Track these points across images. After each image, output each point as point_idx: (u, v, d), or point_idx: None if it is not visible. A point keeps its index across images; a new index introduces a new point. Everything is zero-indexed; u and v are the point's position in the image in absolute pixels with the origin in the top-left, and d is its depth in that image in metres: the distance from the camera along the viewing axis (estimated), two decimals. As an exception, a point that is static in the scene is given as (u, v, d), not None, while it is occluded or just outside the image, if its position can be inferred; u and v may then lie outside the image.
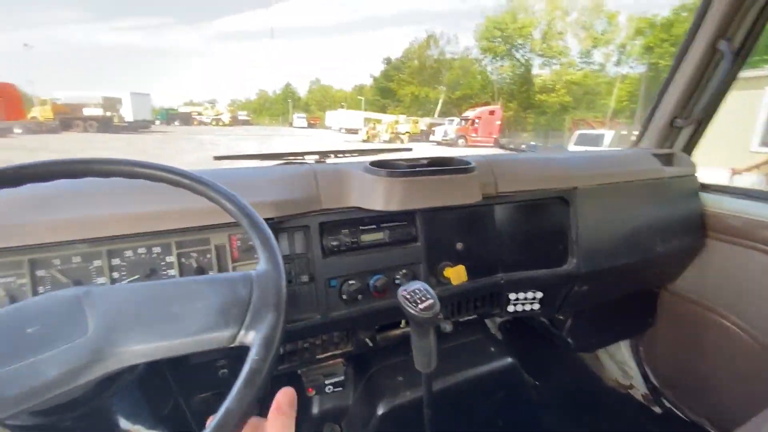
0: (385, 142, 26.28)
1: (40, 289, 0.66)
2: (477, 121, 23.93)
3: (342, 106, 65.97)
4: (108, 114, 23.13)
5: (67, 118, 22.84)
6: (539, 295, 1.13)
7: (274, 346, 0.39)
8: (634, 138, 1.56)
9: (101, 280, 0.69)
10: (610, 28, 27.46)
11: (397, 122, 27.88)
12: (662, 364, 1.50)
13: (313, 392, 1.01)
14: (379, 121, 27.97)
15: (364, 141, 26.38)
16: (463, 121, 24.68)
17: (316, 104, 74.98)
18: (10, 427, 0.44)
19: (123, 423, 0.64)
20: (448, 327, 0.99)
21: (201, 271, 0.76)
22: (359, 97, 56.96)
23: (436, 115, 33.92)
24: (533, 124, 29.46)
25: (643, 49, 22.61)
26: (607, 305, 1.38)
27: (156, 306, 0.41)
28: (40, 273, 0.66)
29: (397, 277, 0.92)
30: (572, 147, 12.39)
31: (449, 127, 25.00)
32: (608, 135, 12.50)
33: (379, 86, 58.46)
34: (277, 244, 0.49)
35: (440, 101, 35.34)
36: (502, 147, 23.13)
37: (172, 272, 0.74)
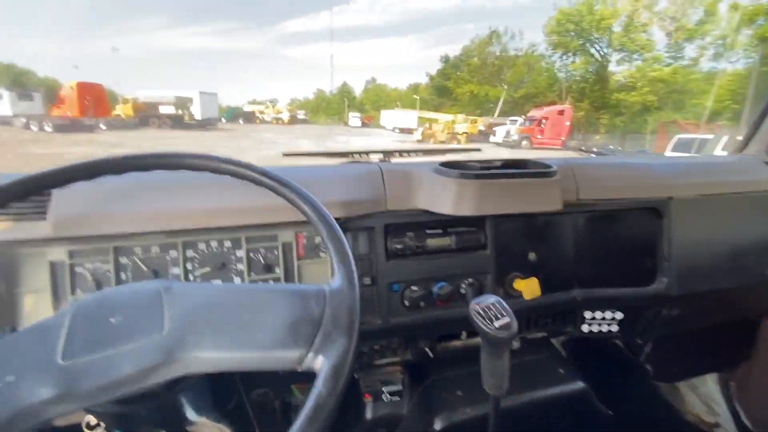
0: (441, 142, 25.34)
1: (122, 275, 0.71)
2: (544, 121, 22.08)
3: (397, 106, 65.91)
4: (180, 112, 24.70)
5: (145, 116, 24.73)
6: (619, 316, 1.04)
7: (342, 379, 0.38)
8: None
9: (176, 270, 0.74)
10: (707, 18, 23.96)
11: (454, 122, 26.71)
12: (757, 405, 1.34)
13: (370, 398, 0.97)
14: (435, 121, 26.92)
15: (419, 141, 25.63)
16: (527, 122, 22.95)
17: (371, 103, 75.21)
18: (85, 409, 0.46)
19: (191, 414, 0.65)
20: (515, 344, 0.93)
21: (268, 267, 0.79)
22: (414, 96, 56.10)
23: (496, 115, 32.11)
24: (607, 125, 26.66)
25: (757, 40, 19.30)
26: (697, 332, 1.25)
27: (228, 312, 0.42)
28: (122, 260, 0.72)
29: (463, 286, 0.89)
30: (669, 154, 10.52)
31: (512, 128, 23.36)
32: (716, 140, 10.18)
33: (435, 85, 57.25)
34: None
35: (501, 100, 33.38)
36: (571, 150, 21.19)
37: (240, 266, 0.78)
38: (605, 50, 29.19)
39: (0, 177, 0.74)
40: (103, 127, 20.89)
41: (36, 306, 0.70)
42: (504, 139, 22.82)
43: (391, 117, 48.16)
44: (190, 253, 0.76)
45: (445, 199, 0.83)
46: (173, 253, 0.75)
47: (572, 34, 29.48)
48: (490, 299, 0.63)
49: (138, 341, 0.38)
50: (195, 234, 0.75)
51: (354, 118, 54.81)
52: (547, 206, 0.88)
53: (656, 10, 26.35)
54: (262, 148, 15.35)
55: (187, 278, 0.76)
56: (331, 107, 78.02)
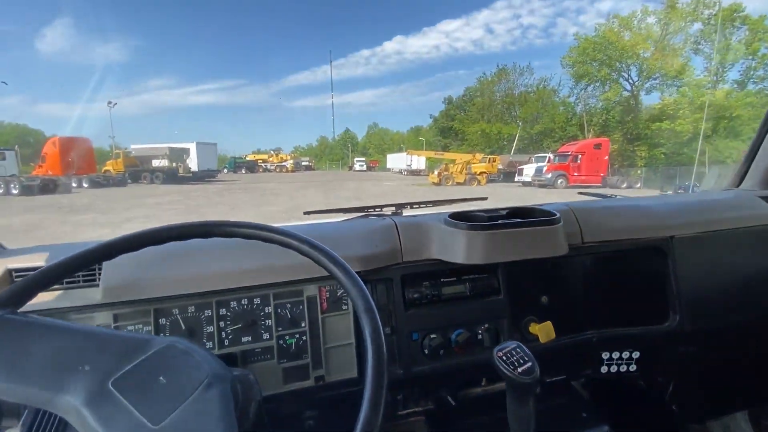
0: (458, 184, 22.88)
1: (161, 335, 0.73)
2: (579, 156, 19.58)
3: (401, 148, 65.22)
4: (174, 165, 22.56)
5: (137, 170, 22.63)
6: (636, 355, 1.04)
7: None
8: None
9: (210, 329, 0.78)
10: (753, 37, 22.04)
11: (472, 161, 24.34)
12: None
13: None
14: (452, 161, 24.57)
15: (434, 184, 23.21)
16: (559, 158, 20.46)
17: (375, 147, 74.81)
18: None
19: None
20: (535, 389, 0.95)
21: (294, 321, 0.83)
22: (420, 138, 55.03)
23: (512, 152, 29.94)
24: (645, 158, 24.08)
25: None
26: (722, 368, 1.20)
27: None
28: (161, 321, 0.77)
29: (480, 331, 0.90)
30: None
31: (541, 165, 20.81)
32: None
33: (439, 126, 56.53)
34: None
35: (516, 137, 31.39)
36: (612, 187, 18.47)
37: (269, 322, 0.81)
38: (635, 78, 27.41)
39: (55, 248, 0.82)
40: (85, 185, 18.58)
41: None
42: (534, 178, 20.21)
43: (398, 159, 46.80)
44: (222, 311, 0.80)
45: (457, 249, 0.86)
46: (207, 312, 0.79)
47: (597, 63, 27.87)
48: (512, 345, 0.65)
49: (144, 414, 0.39)
50: (227, 294, 0.80)
51: (359, 163, 53.50)
52: (553, 251, 0.89)
53: (691, 32, 24.59)
54: (261, 203, 12.71)
55: (220, 335, 0.79)
56: (334, 153, 77.80)
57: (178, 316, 0.78)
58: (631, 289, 1.03)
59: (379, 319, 0.48)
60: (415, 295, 0.88)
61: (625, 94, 27.39)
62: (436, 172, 24.18)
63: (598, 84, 28.50)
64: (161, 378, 0.42)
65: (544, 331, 0.88)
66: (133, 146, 24.73)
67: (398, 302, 0.87)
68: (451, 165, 24.35)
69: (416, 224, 0.93)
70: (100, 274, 0.76)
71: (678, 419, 1.24)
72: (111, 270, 0.75)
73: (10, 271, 0.77)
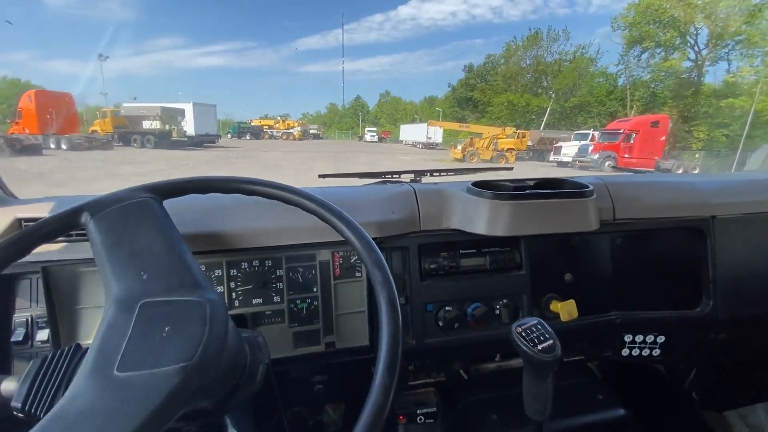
0: (484, 161, 20.30)
1: None
2: (633, 135, 16.78)
3: (415, 119, 61.59)
4: (167, 127, 20.06)
5: (127, 132, 20.25)
6: (661, 339, 1.00)
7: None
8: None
9: (220, 288, 0.77)
10: None
11: (501, 135, 21.56)
12: None
13: (404, 420, 0.96)
14: (477, 135, 21.77)
15: (457, 160, 20.67)
16: (607, 136, 17.66)
17: (387, 117, 71.26)
18: None
19: None
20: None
21: (306, 286, 0.81)
22: (436, 109, 51.51)
23: (541, 128, 26.92)
24: (704, 140, 20.96)
25: None
26: (749, 358, 1.18)
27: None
28: None
29: (497, 307, 0.87)
30: None
31: (585, 144, 18.04)
32: None
33: (457, 96, 52.79)
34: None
35: (547, 111, 28.22)
36: (668, 173, 15.82)
37: (280, 285, 0.80)
38: (701, 45, 22.90)
39: (62, 199, 0.81)
40: (64, 147, 16.33)
41: (94, 322, 0.74)
42: (577, 158, 17.51)
43: (412, 131, 43.51)
44: (233, 272, 0.78)
45: (479, 219, 0.83)
46: (218, 272, 0.77)
47: (659, 24, 23.25)
48: (532, 321, 0.63)
49: (173, 363, 0.39)
50: (238, 254, 0.77)
51: (370, 133, 50.44)
52: (583, 226, 0.84)
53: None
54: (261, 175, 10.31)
55: (230, 296, 0.78)
56: (344, 121, 74.52)
57: None
58: (662, 271, 0.98)
59: (396, 294, 0.47)
60: (432, 266, 0.86)
61: (686, 64, 23.56)
62: (459, 147, 21.53)
63: (659, 51, 24.36)
64: (167, 329, 0.41)
65: (566, 309, 0.84)
66: (124, 104, 22.19)
67: (414, 272, 0.85)
68: (477, 139, 21.61)
69: (437, 191, 0.90)
70: None
71: (696, 407, 1.20)
72: None
73: (19, 220, 0.77)
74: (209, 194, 0.58)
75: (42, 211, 0.76)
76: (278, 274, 0.80)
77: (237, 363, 0.47)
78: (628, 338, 1.00)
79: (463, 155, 20.74)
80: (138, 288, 0.44)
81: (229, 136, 40.71)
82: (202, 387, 0.40)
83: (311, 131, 49.21)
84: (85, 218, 0.51)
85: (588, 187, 0.87)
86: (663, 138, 17.03)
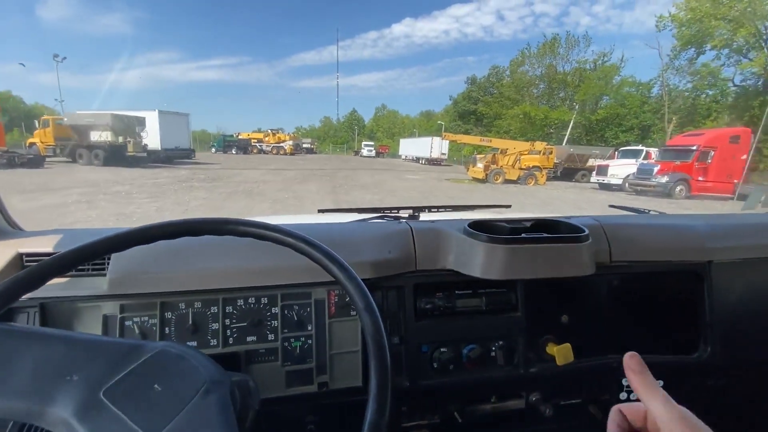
0: (508, 181, 16.75)
1: (166, 329, 0.75)
2: (711, 153, 13.24)
3: (414, 133, 58.46)
4: (120, 140, 16.09)
5: (73, 145, 16.27)
6: (660, 384, 0.93)
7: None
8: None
9: (215, 326, 0.77)
10: None
11: (528, 151, 18.02)
12: None
13: None
14: (499, 150, 18.15)
15: (477, 180, 17.09)
16: (669, 154, 14.10)
17: (383, 131, 68.21)
18: None
19: None
20: (548, 411, 0.89)
21: (300, 324, 0.80)
22: (439, 122, 48.35)
23: (564, 143, 23.52)
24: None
25: None
26: (750, 404, 1.15)
27: None
28: (167, 315, 0.76)
29: (493, 348, 0.87)
30: None
31: (646, 164, 14.46)
32: None
33: (459, 109, 49.91)
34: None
35: (571, 124, 24.88)
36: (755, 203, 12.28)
37: (275, 323, 0.79)
38: None
39: (66, 233, 0.81)
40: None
41: None
42: (637, 180, 13.92)
43: (413, 146, 40.06)
44: (229, 309, 0.78)
45: (474, 262, 0.82)
46: (213, 309, 0.77)
47: (726, 20, 19.24)
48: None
49: (138, 425, 0.37)
50: (234, 291, 0.78)
51: (367, 148, 47.06)
52: (578, 271, 0.84)
53: None
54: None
55: (225, 333, 0.78)
56: (338, 135, 71.40)
57: (184, 311, 0.76)
58: (660, 314, 0.97)
59: (380, 318, 0.47)
60: (428, 306, 0.86)
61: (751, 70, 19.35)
62: (479, 165, 17.90)
63: (724, 51, 20.26)
64: (156, 385, 0.40)
65: (562, 353, 0.84)
66: (77, 112, 18.19)
67: (409, 312, 0.84)
68: (501, 156, 18.03)
69: (434, 231, 0.89)
70: (108, 264, 0.75)
71: None
72: (119, 261, 0.74)
73: (21, 255, 0.76)
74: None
75: (46, 246, 0.77)
76: (273, 311, 0.80)
77: None
78: (625, 382, 0.98)
79: (486, 175, 17.12)
80: (83, 388, 0.39)
81: (213, 150, 37.08)
82: None
83: (304, 145, 45.59)
84: None
85: (584, 230, 0.86)
86: (744, 157, 13.51)
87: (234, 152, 35.49)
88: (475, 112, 46.71)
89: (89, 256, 0.50)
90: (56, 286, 0.73)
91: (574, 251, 0.83)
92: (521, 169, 17.68)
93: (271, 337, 0.79)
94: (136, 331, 0.74)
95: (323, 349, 0.81)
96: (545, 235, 0.85)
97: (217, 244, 0.76)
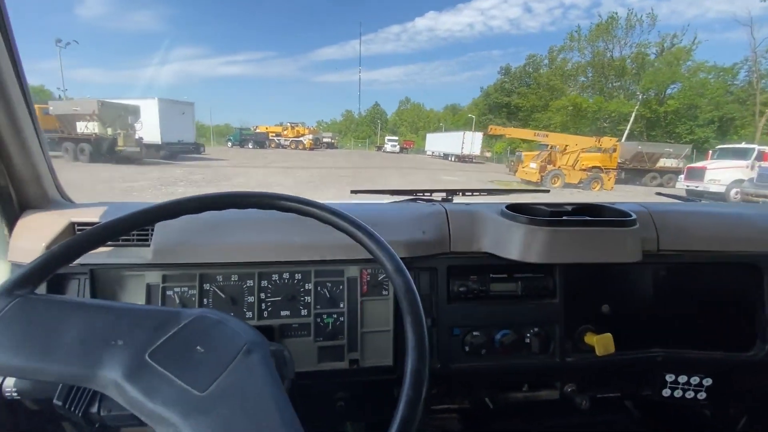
0: (567, 185, 13.65)
1: (204, 300, 0.79)
2: None
3: (440, 127, 55.04)
4: (109, 131, 13.79)
5: (59, 138, 14.11)
6: (708, 382, 0.93)
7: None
8: None
9: (251, 299, 0.80)
10: None
11: (595, 146, 14.75)
12: None
13: None
14: (555, 148, 14.86)
15: (527, 183, 14.05)
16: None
17: (407, 125, 65.03)
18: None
19: None
20: (585, 403, 0.87)
21: (333, 301, 0.82)
22: (470, 116, 44.79)
23: (623, 139, 19.84)
24: None
25: None
26: None
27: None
28: (205, 286, 0.79)
29: (528, 335, 0.84)
30: None
31: (765, 167, 10.90)
32: None
33: (491, 102, 46.20)
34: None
35: (633, 117, 21.10)
36: None
37: (308, 299, 0.81)
38: None
39: (112, 206, 0.84)
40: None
41: None
42: (756, 188, 10.39)
43: (441, 141, 36.82)
44: (264, 283, 0.80)
45: (512, 244, 0.80)
46: (249, 282, 0.80)
47: None
48: None
49: (187, 383, 0.39)
50: (270, 266, 0.80)
51: (391, 143, 44.14)
52: (624, 257, 0.80)
53: None
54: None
55: (260, 307, 0.80)
56: (360, 129, 68.85)
57: (221, 283, 0.79)
58: (711, 308, 0.91)
59: (422, 310, 0.47)
60: (461, 289, 0.84)
61: None
62: (533, 165, 14.75)
63: None
64: (198, 347, 0.42)
65: (602, 343, 0.80)
66: (52, 101, 16.03)
67: (442, 294, 0.83)
68: (558, 154, 14.82)
69: (469, 213, 0.87)
70: (152, 235, 0.77)
71: None
72: (162, 232, 0.77)
73: (73, 225, 0.80)
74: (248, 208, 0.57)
75: (94, 216, 0.81)
76: (306, 287, 0.81)
77: None
78: (669, 378, 0.94)
79: (541, 177, 13.99)
80: (129, 352, 0.41)
81: (229, 144, 35.00)
82: None
83: (324, 140, 42.94)
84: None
85: (630, 215, 0.82)
86: None
87: (250, 147, 33.33)
88: (508, 105, 43.13)
89: (140, 223, 0.53)
90: (104, 254, 0.77)
91: (621, 236, 0.79)
92: (582, 170, 14.43)
93: (304, 312, 0.81)
94: (177, 300, 0.78)
95: (355, 326, 0.82)
96: (589, 218, 0.81)
97: (254, 218, 0.78)
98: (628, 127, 20.99)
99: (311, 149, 34.73)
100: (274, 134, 38.21)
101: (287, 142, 36.28)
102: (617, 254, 0.79)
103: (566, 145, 14.74)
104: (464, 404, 0.94)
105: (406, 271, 0.48)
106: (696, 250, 0.88)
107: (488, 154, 28.10)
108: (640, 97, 22.42)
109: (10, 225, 0.80)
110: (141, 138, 14.84)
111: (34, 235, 0.78)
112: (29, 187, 0.83)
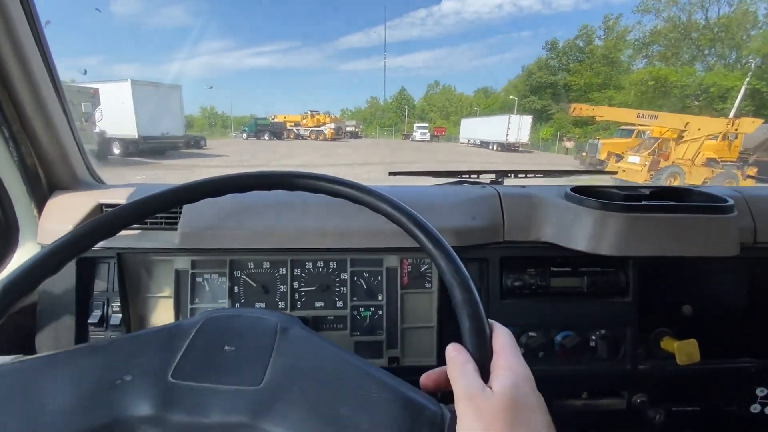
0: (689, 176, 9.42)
1: (235, 288, 0.76)
2: None
3: (474, 111, 49.92)
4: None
5: None
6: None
7: None
8: None
9: (283, 287, 0.76)
10: None
11: (729, 131, 10.20)
12: None
13: None
14: (674, 136, 10.37)
15: (628, 181, 9.57)
16: None
17: (437, 111, 60.09)
18: None
19: None
20: (659, 417, 0.79)
21: (370, 293, 0.77)
22: (511, 97, 39.56)
23: (732, 114, 14.72)
24: None
25: None
26: None
27: (328, 395, 0.35)
28: (236, 273, 0.76)
29: (593, 338, 0.76)
30: None
31: None
32: None
33: (533, 82, 40.72)
34: None
35: (742, 90, 15.93)
36: None
37: (344, 290, 0.77)
38: None
39: (141, 188, 0.81)
40: None
41: (160, 312, 0.77)
42: None
43: (480, 127, 31.86)
44: (297, 271, 0.77)
45: (580, 233, 0.71)
46: (282, 270, 0.76)
47: None
48: None
49: (233, 386, 0.35)
50: (303, 253, 0.76)
51: (421, 130, 39.59)
52: (720, 250, 0.70)
53: None
54: None
55: (293, 297, 0.77)
56: (386, 116, 64.61)
57: (252, 270, 0.76)
58: None
59: (485, 319, 0.38)
60: (516, 283, 0.77)
61: None
62: (632, 159, 10.43)
63: None
64: (226, 347, 0.39)
65: (685, 350, 0.71)
66: None
67: (494, 288, 0.76)
68: (673, 144, 10.43)
69: (526, 196, 0.79)
70: (180, 218, 0.74)
71: None
72: (189, 216, 0.74)
73: (101, 206, 0.79)
74: (276, 190, 0.52)
75: (121, 197, 0.79)
76: (342, 277, 0.77)
77: None
78: (761, 392, 0.84)
79: (650, 176, 9.74)
80: (145, 383, 0.36)
81: (244, 135, 31.93)
82: None
83: (348, 128, 39.28)
84: None
85: (727, 200, 0.72)
86: None
87: (267, 138, 30.08)
88: (553, 85, 37.68)
89: (166, 205, 0.50)
90: (132, 238, 0.75)
91: (716, 225, 0.69)
92: (705, 165, 9.97)
93: (339, 304, 0.77)
94: (207, 288, 0.76)
95: (394, 321, 0.77)
96: (674, 203, 0.72)
97: (285, 202, 0.75)
98: (735, 105, 15.79)
99: (332, 139, 31.07)
100: (292, 124, 34.95)
101: (307, 132, 32.90)
102: (711, 247, 0.68)
103: (682, 131, 10.21)
104: None
105: (471, 283, 0.40)
106: None
107: (524, 141, 23.38)
108: (752, 65, 16.99)
109: (40, 206, 0.79)
110: (103, 131, 11.52)
111: (61, 216, 0.77)
112: (58, 167, 0.81)
